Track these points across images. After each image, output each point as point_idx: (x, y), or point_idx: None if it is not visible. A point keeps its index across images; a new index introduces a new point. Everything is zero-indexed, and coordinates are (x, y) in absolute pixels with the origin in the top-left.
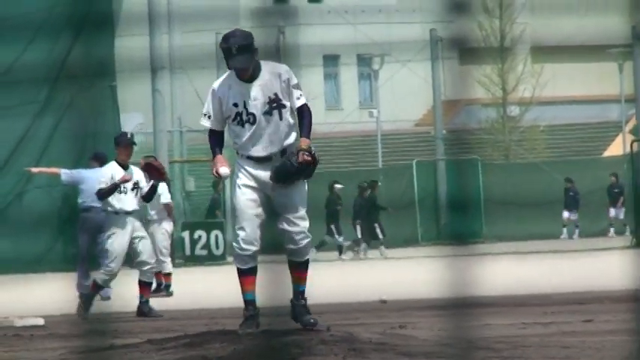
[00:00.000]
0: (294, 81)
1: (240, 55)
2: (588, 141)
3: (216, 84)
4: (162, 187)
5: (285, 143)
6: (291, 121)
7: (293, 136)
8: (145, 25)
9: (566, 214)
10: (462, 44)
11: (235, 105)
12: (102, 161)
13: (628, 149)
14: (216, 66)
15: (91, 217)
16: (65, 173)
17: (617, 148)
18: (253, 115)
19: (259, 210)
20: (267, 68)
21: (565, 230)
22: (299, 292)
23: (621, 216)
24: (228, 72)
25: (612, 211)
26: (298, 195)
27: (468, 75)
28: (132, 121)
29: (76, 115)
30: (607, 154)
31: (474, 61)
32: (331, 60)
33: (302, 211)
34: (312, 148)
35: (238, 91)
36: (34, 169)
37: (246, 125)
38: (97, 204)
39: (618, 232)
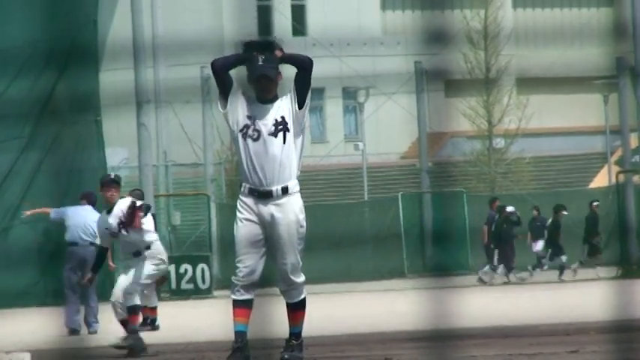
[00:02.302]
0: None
1: (266, 64)
2: (574, 172)
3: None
4: (148, 222)
5: (287, 180)
6: (294, 156)
7: (295, 181)
8: (130, 59)
9: (534, 245)
10: (446, 76)
11: (249, 117)
12: (91, 200)
13: (614, 180)
14: (202, 99)
15: (77, 251)
16: (54, 212)
17: (602, 179)
18: (258, 132)
19: (259, 243)
20: (284, 97)
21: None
22: (291, 334)
23: (537, 248)
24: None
25: (538, 245)
26: (289, 237)
27: (453, 107)
28: (117, 156)
29: (61, 150)
30: (593, 185)
31: (460, 93)
32: (316, 93)
33: (292, 255)
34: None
35: (255, 107)
36: (28, 212)
37: (249, 141)
38: (85, 237)
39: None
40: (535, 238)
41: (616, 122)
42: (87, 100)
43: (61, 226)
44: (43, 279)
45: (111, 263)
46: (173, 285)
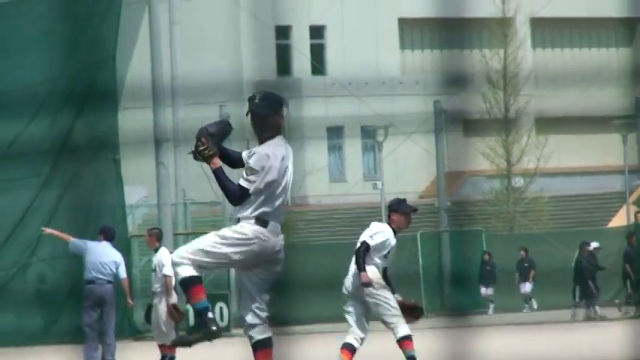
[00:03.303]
0: (250, 163)
1: (261, 103)
2: (592, 212)
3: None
4: (167, 259)
5: (240, 214)
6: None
7: (247, 222)
8: (149, 98)
9: (483, 289)
10: (464, 116)
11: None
12: (109, 235)
13: (632, 220)
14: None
15: (95, 290)
16: (73, 242)
17: (621, 219)
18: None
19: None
20: (269, 145)
21: (492, 306)
22: None
23: (528, 290)
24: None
25: (526, 286)
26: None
27: (472, 146)
28: (136, 195)
29: (80, 187)
30: (611, 225)
31: (478, 132)
32: (335, 132)
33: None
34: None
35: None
36: (47, 230)
37: None
38: (102, 276)
39: (533, 308)
40: (522, 279)
41: (635, 162)
42: (106, 138)
43: (80, 262)
44: (61, 317)
45: (129, 300)
46: (191, 323)
